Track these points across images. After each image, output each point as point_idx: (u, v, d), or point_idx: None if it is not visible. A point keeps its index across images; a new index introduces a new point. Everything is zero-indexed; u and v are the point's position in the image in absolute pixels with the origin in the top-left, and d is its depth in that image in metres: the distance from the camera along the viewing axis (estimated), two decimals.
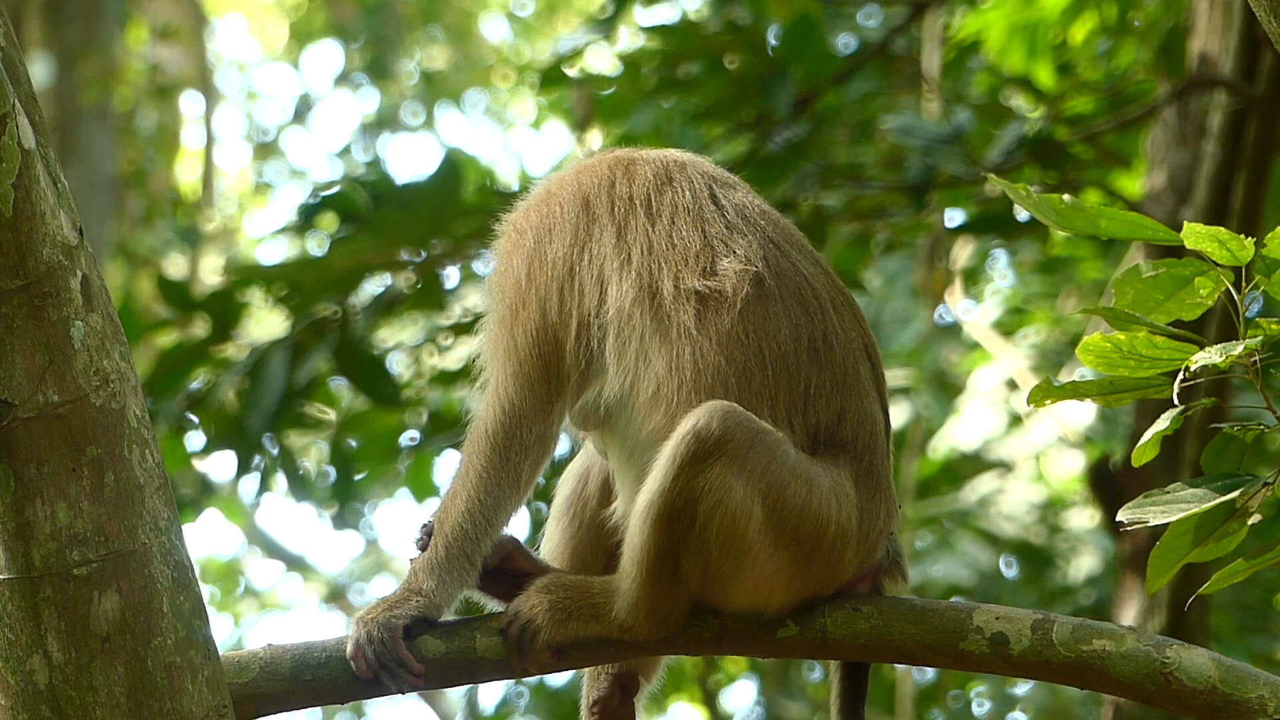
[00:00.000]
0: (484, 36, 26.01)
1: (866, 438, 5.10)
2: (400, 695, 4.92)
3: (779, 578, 4.97)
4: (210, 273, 20.15)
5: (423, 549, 5.07)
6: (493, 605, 5.15)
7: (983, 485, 12.84)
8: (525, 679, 12.14)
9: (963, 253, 13.10)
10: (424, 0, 24.97)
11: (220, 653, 4.85)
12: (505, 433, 5.10)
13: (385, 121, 24.83)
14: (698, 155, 5.38)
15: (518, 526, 5.20)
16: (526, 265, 5.19)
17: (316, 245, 10.68)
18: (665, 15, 11.54)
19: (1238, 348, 4.51)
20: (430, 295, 10.39)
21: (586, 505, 5.31)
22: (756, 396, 5.02)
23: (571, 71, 10.99)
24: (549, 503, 5.47)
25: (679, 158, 5.31)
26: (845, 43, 11.55)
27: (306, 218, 10.50)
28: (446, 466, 12.65)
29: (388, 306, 10.36)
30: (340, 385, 10.79)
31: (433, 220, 10.13)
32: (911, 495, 12.60)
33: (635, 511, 4.98)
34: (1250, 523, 4.67)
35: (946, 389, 12.51)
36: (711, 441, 4.89)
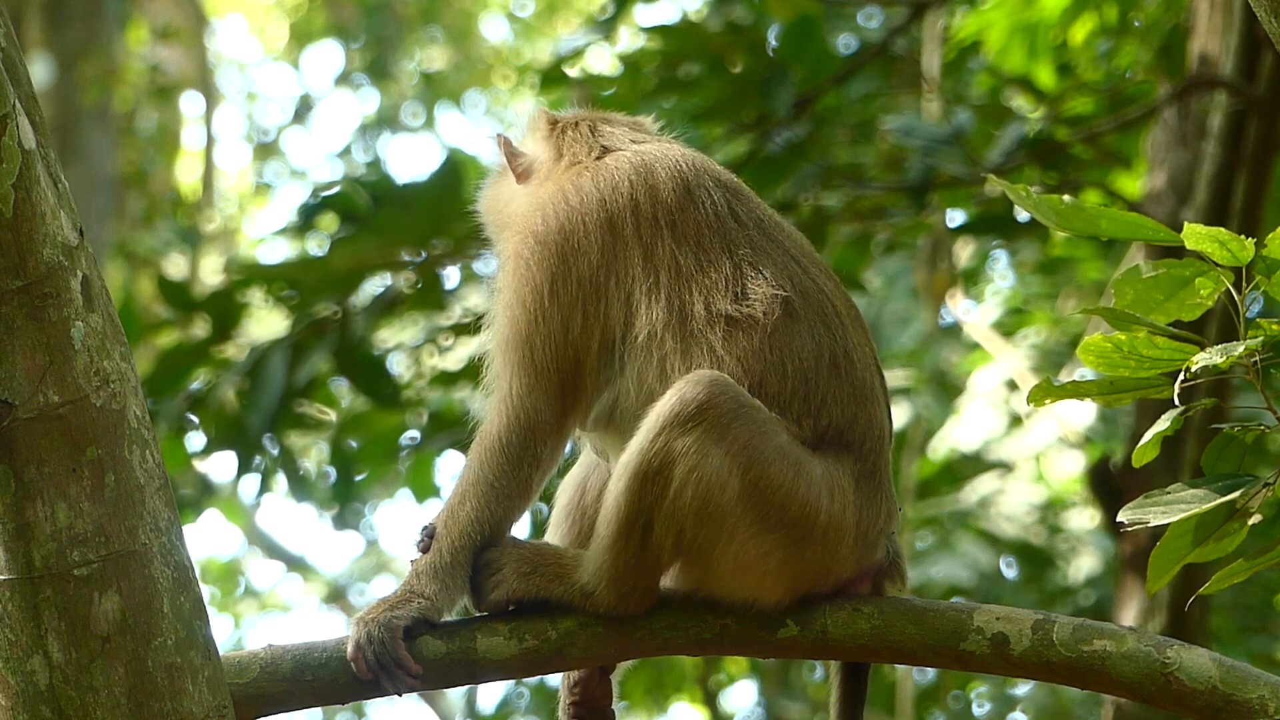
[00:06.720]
0: (484, 37, 26.00)
1: (873, 442, 5.12)
2: (399, 696, 4.93)
3: (768, 562, 4.95)
4: (210, 273, 20.14)
5: (424, 551, 5.06)
6: None
7: (983, 486, 12.83)
8: (525, 679, 12.12)
9: (963, 253, 13.10)
10: (424, 0, 24.96)
11: (221, 653, 4.85)
12: (520, 442, 5.08)
13: (385, 122, 24.82)
14: (699, 153, 5.34)
15: (519, 529, 5.20)
16: (549, 280, 5.14)
17: (316, 245, 10.68)
18: (665, 15, 11.54)
19: (1238, 348, 4.51)
20: (431, 295, 10.39)
21: (585, 514, 5.30)
22: (770, 400, 5.02)
23: (572, 72, 10.99)
24: (548, 503, 5.47)
25: (691, 160, 5.25)
26: (845, 43, 11.55)
27: (306, 218, 10.51)
28: (447, 467, 12.66)
29: (388, 306, 10.36)
30: (340, 385, 10.79)
31: (433, 220, 10.13)
32: (911, 496, 12.59)
33: (614, 474, 4.99)
34: (1250, 523, 4.67)
35: (947, 389, 12.51)
36: (693, 406, 4.89)
